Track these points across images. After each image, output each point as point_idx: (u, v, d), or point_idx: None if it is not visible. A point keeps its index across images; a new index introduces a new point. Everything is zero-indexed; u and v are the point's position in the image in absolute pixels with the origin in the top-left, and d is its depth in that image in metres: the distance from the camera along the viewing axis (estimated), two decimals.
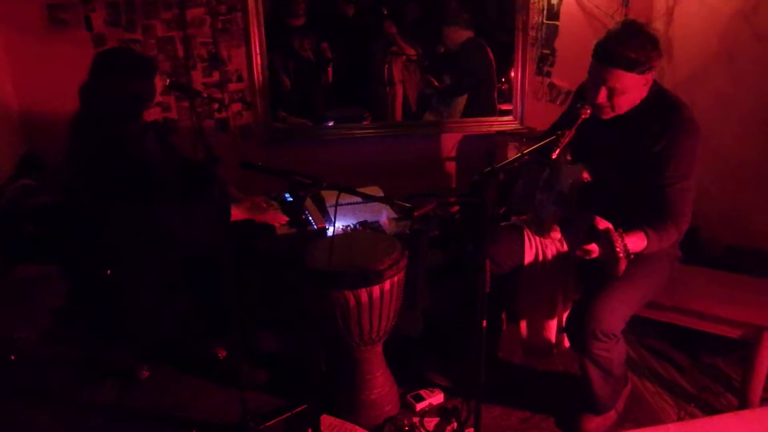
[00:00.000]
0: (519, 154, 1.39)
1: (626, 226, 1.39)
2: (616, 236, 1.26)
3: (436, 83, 3.81)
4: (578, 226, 1.44)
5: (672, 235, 1.50)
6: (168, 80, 1.97)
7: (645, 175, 1.53)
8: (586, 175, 1.60)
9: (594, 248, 1.34)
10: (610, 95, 1.50)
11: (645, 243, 1.42)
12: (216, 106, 2.81)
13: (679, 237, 1.54)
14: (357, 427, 1.71)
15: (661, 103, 1.55)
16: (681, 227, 1.52)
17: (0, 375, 2.01)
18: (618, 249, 1.25)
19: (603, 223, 1.31)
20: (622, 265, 1.27)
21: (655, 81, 1.57)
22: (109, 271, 1.89)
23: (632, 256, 1.29)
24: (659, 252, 1.51)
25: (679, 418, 1.77)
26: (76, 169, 1.81)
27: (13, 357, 2.08)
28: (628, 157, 1.56)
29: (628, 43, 1.44)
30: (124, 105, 1.74)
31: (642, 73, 1.47)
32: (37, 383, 1.97)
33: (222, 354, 2.01)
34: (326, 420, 1.72)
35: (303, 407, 1.78)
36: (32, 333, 2.19)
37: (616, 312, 1.53)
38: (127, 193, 1.72)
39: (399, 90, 4.00)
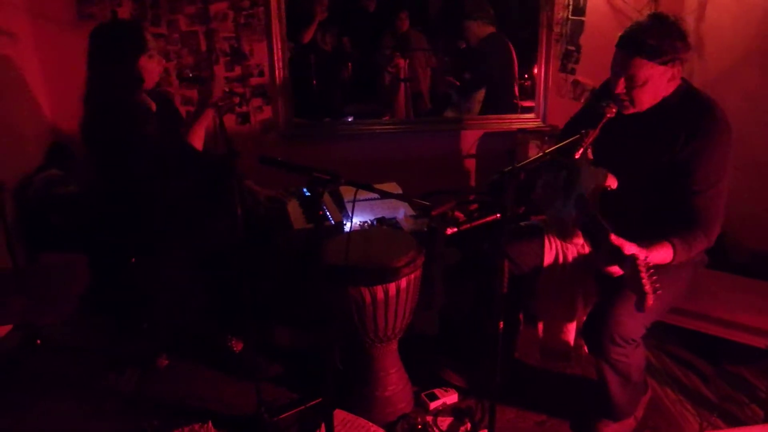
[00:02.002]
0: (540, 153, 1.36)
1: (650, 234, 1.33)
2: (643, 270, 1.14)
3: (457, 83, 3.76)
4: (600, 242, 1.32)
5: (701, 244, 1.43)
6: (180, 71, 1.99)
7: (673, 181, 1.46)
8: (610, 182, 1.52)
9: (617, 270, 1.29)
10: (629, 86, 1.43)
11: (672, 256, 1.36)
12: (237, 100, 2.83)
13: (708, 245, 1.46)
14: (370, 423, 1.72)
15: (690, 104, 1.48)
16: (711, 235, 1.44)
17: (24, 361, 2.08)
18: (645, 285, 1.13)
19: (629, 248, 1.22)
20: (649, 301, 1.15)
21: (684, 80, 1.50)
22: (133, 259, 1.93)
23: (660, 292, 1.15)
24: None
25: (701, 429, 1.72)
26: (91, 154, 1.84)
27: (39, 341, 2.14)
28: (655, 161, 1.50)
29: (650, 31, 1.38)
30: (122, 82, 1.78)
31: (664, 63, 1.39)
32: (59, 369, 2.03)
33: (238, 347, 2.04)
34: (339, 415, 1.73)
35: (317, 401, 1.79)
36: (57, 320, 2.25)
37: (636, 317, 1.47)
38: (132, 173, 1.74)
39: (402, 87, 3.96)
